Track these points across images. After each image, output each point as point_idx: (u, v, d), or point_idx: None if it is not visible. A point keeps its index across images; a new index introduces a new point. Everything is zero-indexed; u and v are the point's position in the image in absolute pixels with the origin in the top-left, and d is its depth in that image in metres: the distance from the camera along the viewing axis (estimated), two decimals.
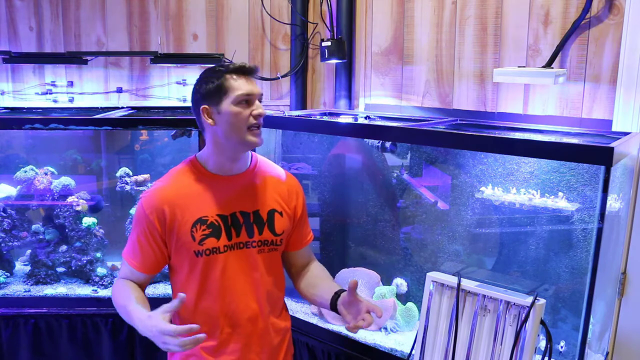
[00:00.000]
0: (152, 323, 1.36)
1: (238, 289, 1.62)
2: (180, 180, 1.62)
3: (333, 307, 1.62)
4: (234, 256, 1.61)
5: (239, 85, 1.55)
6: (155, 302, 1.49)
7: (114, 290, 1.61)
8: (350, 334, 2.23)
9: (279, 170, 1.76)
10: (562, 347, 1.93)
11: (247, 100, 1.55)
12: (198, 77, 1.62)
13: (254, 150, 1.75)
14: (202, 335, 1.31)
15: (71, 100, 3.10)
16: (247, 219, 1.63)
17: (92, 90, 3.10)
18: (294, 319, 2.36)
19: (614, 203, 1.80)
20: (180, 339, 1.30)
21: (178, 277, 1.64)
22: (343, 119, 2.61)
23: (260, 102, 1.59)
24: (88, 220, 2.72)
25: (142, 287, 1.64)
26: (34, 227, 2.78)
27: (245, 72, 1.58)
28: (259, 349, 1.68)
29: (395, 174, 2.50)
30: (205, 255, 1.58)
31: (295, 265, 1.81)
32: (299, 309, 2.44)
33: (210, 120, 1.57)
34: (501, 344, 1.71)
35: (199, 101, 1.58)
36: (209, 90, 1.56)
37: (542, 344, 1.72)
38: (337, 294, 1.62)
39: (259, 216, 1.65)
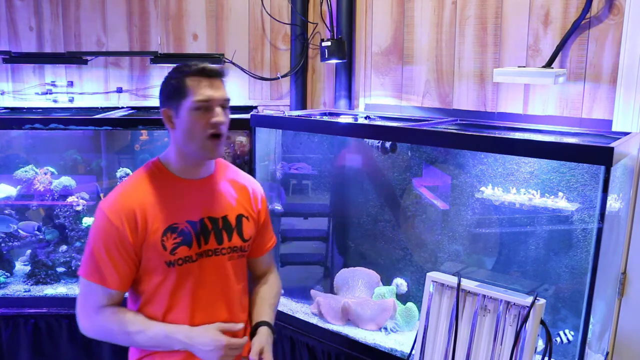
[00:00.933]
0: (218, 339, 1.43)
1: (209, 298, 1.52)
2: (146, 185, 1.48)
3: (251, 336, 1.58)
4: (205, 264, 1.51)
5: (198, 90, 1.41)
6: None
7: (99, 324, 1.45)
8: (351, 334, 2.23)
9: (242, 174, 1.68)
10: (570, 335, 1.91)
11: (206, 107, 1.42)
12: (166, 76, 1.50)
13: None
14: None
15: (71, 100, 3.10)
16: (215, 225, 1.53)
17: (92, 90, 3.10)
18: (294, 319, 2.36)
19: (614, 203, 1.80)
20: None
21: (144, 288, 1.49)
22: (343, 119, 2.61)
23: (225, 108, 1.47)
24: (88, 220, 2.72)
25: None
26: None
27: (206, 74, 1.43)
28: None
29: (396, 175, 2.50)
30: (177, 265, 1.46)
31: (254, 272, 1.74)
32: (299, 309, 2.44)
33: (170, 124, 1.47)
34: (501, 344, 1.71)
35: (162, 103, 1.48)
36: (169, 92, 1.45)
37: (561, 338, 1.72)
38: (257, 325, 1.59)
39: (227, 222, 1.55)
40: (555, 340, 1.91)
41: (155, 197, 1.47)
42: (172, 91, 1.45)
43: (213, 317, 1.52)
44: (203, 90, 1.42)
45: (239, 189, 1.62)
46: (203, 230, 1.51)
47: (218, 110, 1.44)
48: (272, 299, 1.70)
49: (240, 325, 1.54)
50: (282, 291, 2.60)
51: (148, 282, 1.49)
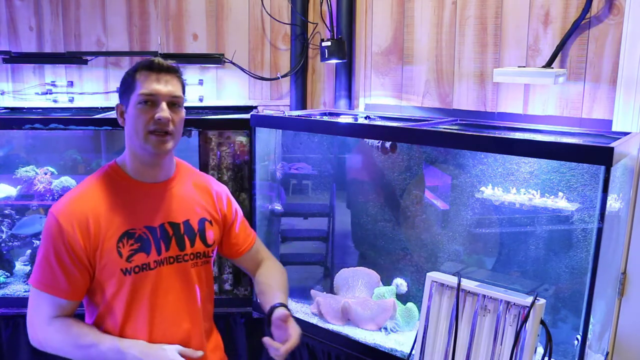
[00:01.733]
0: (172, 357, 1.35)
1: (170, 308, 1.45)
2: (100, 188, 1.41)
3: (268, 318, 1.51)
4: (165, 272, 1.44)
5: (144, 84, 1.36)
6: None
7: (49, 337, 1.37)
8: (351, 334, 2.23)
9: (204, 176, 1.63)
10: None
11: (150, 102, 1.37)
12: None
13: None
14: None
15: (71, 100, 3.10)
16: (177, 230, 1.46)
17: (92, 90, 3.10)
18: (294, 319, 2.36)
19: (614, 203, 1.80)
20: None
21: (99, 298, 1.42)
22: (343, 119, 2.61)
23: (176, 105, 1.41)
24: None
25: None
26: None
27: (153, 68, 1.37)
28: None
29: (396, 175, 2.50)
30: (134, 273, 1.39)
31: (250, 267, 1.70)
32: (299, 309, 2.44)
33: (120, 119, 1.44)
34: (501, 344, 1.71)
35: (119, 98, 1.45)
36: (122, 87, 1.42)
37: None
38: (273, 308, 1.50)
39: (189, 227, 1.49)
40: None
41: (110, 202, 1.40)
42: (124, 85, 1.42)
43: (175, 328, 1.46)
44: (149, 84, 1.37)
45: (202, 192, 1.57)
46: (163, 236, 1.44)
47: (163, 105, 1.38)
48: (277, 282, 1.63)
49: (200, 353, 1.46)
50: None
51: (103, 292, 1.41)
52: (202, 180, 1.60)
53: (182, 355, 1.40)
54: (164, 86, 1.38)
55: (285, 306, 1.52)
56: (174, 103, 1.41)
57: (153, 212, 1.44)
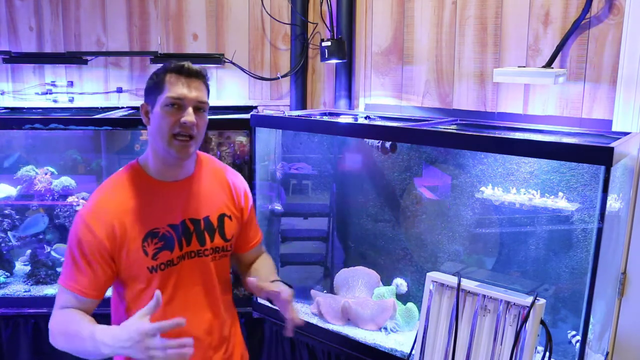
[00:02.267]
0: (129, 330, 1.22)
1: (192, 300, 1.50)
2: (124, 190, 1.45)
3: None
4: (187, 266, 1.49)
5: (172, 87, 1.39)
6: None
7: (53, 324, 1.41)
8: (351, 334, 2.23)
9: (225, 169, 1.65)
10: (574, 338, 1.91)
11: (177, 105, 1.39)
12: None
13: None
14: (189, 339, 1.23)
15: (71, 100, 3.10)
16: (197, 226, 1.51)
17: (92, 90, 3.10)
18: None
19: (614, 203, 1.80)
20: (165, 342, 1.20)
21: (127, 294, 1.47)
22: (343, 119, 2.61)
23: (201, 110, 1.43)
24: None
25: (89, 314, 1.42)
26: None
27: (183, 73, 1.41)
28: None
29: (396, 175, 2.50)
30: (160, 270, 1.44)
31: (245, 264, 1.72)
32: (299, 309, 2.44)
33: (145, 119, 1.47)
34: (501, 344, 1.71)
35: (144, 96, 1.48)
36: (149, 86, 1.45)
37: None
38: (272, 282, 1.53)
39: (209, 222, 1.53)
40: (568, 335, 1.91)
41: (134, 203, 1.43)
42: (152, 86, 1.44)
43: (197, 319, 1.51)
44: (177, 88, 1.40)
45: (221, 187, 1.59)
46: (185, 233, 1.49)
47: (190, 110, 1.40)
48: (271, 265, 1.71)
49: (182, 321, 1.28)
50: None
51: (131, 288, 1.46)
52: (221, 174, 1.62)
53: (147, 313, 1.29)
54: (192, 91, 1.41)
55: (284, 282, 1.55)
56: (199, 108, 1.43)
57: (174, 210, 1.48)
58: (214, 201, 1.56)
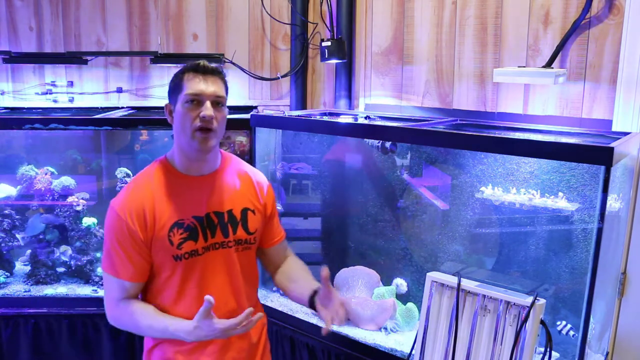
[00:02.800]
0: (208, 329, 1.43)
1: (217, 289, 1.57)
2: (154, 182, 1.55)
3: (311, 304, 1.59)
4: (211, 257, 1.58)
5: (190, 84, 1.48)
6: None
7: (118, 317, 1.54)
8: (351, 334, 2.23)
9: (248, 167, 1.72)
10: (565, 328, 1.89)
11: (196, 101, 1.48)
12: None
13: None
14: (259, 314, 1.45)
15: (71, 100, 3.10)
16: (221, 219, 1.59)
17: (92, 90, 3.10)
18: (294, 319, 2.36)
19: (614, 203, 1.80)
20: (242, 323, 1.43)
21: (154, 281, 1.57)
22: (343, 119, 2.61)
23: (219, 105, 1.52)
24: (88, 221, 2.72)
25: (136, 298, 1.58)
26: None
27: (199, 70, 1.50)
28: (239, 347, 1.65)
29: (396, 174, 2.50)
30: (184, 259, 1.53)
31: (272, 262, 1.79)
32: (299, 309, 2.44)
33: (169, 117, 1.56)
34: (501, 344, 1.71)
35: (167, 97, 1.57)
36: (171, 87, 1.54)
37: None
38: (315, 292, 1.59)
39: (232, 216, 1.61)
40: (557, 327, 1.91)
41: (162, 194, 1.53)
42: (173, 86, 1.53)
43: (222, 307, 1.57)
44: (195, 85, 1.48)
45: (245, 183, 1.67)
46: (209, 225, 1.57)
47: (207, 104, 1.48)
48: (307, 271, 1.75)
49: (248, 310, 1.47)
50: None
51: (157, 275, 1.56)
52: (245, 171, 1.70)
53: (205, 315, 1.46)
54: (209, 87, 1.50)
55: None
56: (218, 102, 1.52)
57: (200, 203, 1.56)
58: (238, 196, 1.64)
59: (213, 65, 1.52)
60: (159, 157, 1.62)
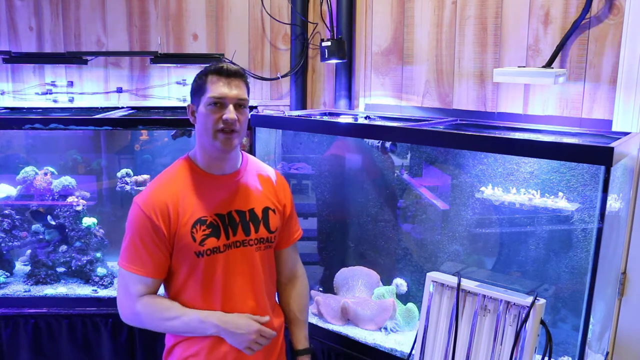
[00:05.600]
0: (251, 324, 1.57)
1: (238, 287, 1.61)
2: (178, 179, 1.59)
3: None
4: (233, 255, 1.61)
5: (214, 87, 1.52)
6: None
7: (139, 313, 1.56)
8: (350, 334, 2.23)
9: (268, 168, 1.77)
10: None
11: (219, 103, 1.52)
12: None
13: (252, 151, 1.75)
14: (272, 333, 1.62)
15: (71, 100, 3.10)
16: (243, 217, 1.63)
17: (92, 90, 3.10)
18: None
19: (614, 203, 1.80)
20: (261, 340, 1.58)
21: (177, 277, 1.60)
22: (343, 119, 2.61)
23: (241, 107, 1.55)
24: (88, 221, 2.72)
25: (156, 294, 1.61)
26: (34, 227, 2.77)
27: (222, 73, 1.53)
28: None
29: (396, 174, 2.50)
30: (206, 256, 1.56)
31: (281, 267, 1.81)
32: None
33: (191, 118, 1.60)
34: (501, 344, 1.71)
35: (190, 98, 1.61)
36: (193, 88, 1.58)
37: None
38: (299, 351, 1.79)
39: (254, 214, 1.65)
40: None
41: (185, 192, 1.57)
42: (195, 87, 1.57)
43: (242, 305, 1.62)
44: (218, 88, 1.52)
45: (265, 183, 1.71)
46: (231, 223, 1.61)
47: (231, 107, 1.52)
48: (304, 312, 1.83)
49: (267, 318, 1.64)
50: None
51: (179, 272, 1.58)
52: (266, 172, 1.75)
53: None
54: (232, 90, 1.53)
55: (308, 349, 1.80)
56: (240, 105, 1.55)
57: (222, 201, 1.61)
58: (259, 195, 1.68)
59: (237, 68, 1.55)
60: (182, 156, 1.66)
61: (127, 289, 1.57)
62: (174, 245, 1.55)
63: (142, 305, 1.55)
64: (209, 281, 1.58)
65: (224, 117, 1.51)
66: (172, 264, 1.59)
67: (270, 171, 1.76)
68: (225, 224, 1.60)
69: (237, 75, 1.55)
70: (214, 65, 1.54)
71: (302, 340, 1.80)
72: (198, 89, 1.55)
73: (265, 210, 1.68)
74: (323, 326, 2.29)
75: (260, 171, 1.73)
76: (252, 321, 1.59)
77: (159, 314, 1.56)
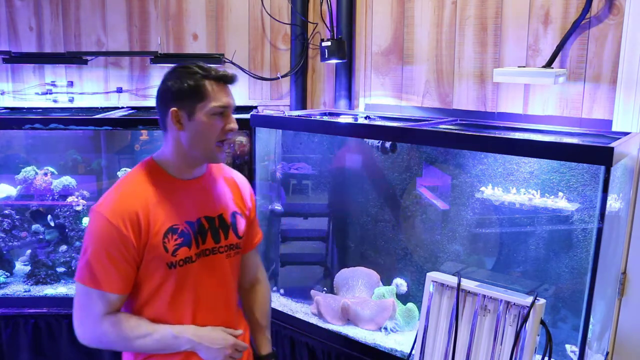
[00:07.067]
0: (221, 336, 1.50)
1: (209, 297, 1.53)
2: (147, 186, 1.46)
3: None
4: (203, 263, 1.51)
5: (218, 96, 1.43)
6: None
7: (102, 334, 1.42)
8: (350, 334, 2.23)
9: (231, 170, 1.69)
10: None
11: (223, 113, 1.45)
12: (169, 71, 1.46)
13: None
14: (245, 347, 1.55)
15: (71, 100, 3.10)
16: (212, 224, 1.54)
17: (92, 90, 3.10)
18: (294, 319, 2.36)
19: (614, 203, 1.80)
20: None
21: (140, 292, 1.47)
22: (343, 119, 2.61)
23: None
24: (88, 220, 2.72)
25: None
26: (34, 227, 2.77)
27: (227, 81, 1.46)
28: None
29: (396, 175, 2.50)
30: (179, 267, 1.45)
31: (244, 272, 1.72)
32: (299, 309, 2.44)
33: (177, 125, 1.44)
34: (501, 344, 1.71)
35: (169, 101, 1.44)
36: (183, 91, 1.42)
37: None
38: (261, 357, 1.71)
39: (223, 220, 1.56)
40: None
41: (154, 198, 1.44)
42: (188, 92, 1.42)
43: (213, 315, 1.53)
44: (223, 97, 1.44)
45: (231, 187, 1.64)
46: (200, 230, 1.51)
47: (233, 117, 1.48)
48: (268, 319, 1.76)
49: (240, 331, 1.58)
50: (282, 291, 2.59)
51: (146, 285, 1.46)
52: (230, 174, 1.67)
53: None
54: (231, 98, 1.48)
55: (272, 353, 1.73)
56: (232, 113, 1.50)
57: (191, 208, 1.51)
58: (226, 200, 1.60)
59: (234, 74, 1.48)
60: (144, 159, 1.54)
61: (88, 308, 1.41)
62: (144, 256, 1.42)
63: (107, 325, 1.41)
64: (179, 293, 1.47)
65: (229, 127, 1.45)
66: (140, 276, 1.45)
67: (234, 173, 1.68)
68: (195, 231, 1.49)
69: (234, 82, 1.49)
70: (213, 71, 1.43)
71: (265, 345, 1.72)
72: (192, 93, 1.42)
73: (234, 215, 1.59)
74: (323, 326, 2.29)
75: (224, 174, 1.65)
76: (227, 335, 1.51)
77: (127, 333, 1.42)
